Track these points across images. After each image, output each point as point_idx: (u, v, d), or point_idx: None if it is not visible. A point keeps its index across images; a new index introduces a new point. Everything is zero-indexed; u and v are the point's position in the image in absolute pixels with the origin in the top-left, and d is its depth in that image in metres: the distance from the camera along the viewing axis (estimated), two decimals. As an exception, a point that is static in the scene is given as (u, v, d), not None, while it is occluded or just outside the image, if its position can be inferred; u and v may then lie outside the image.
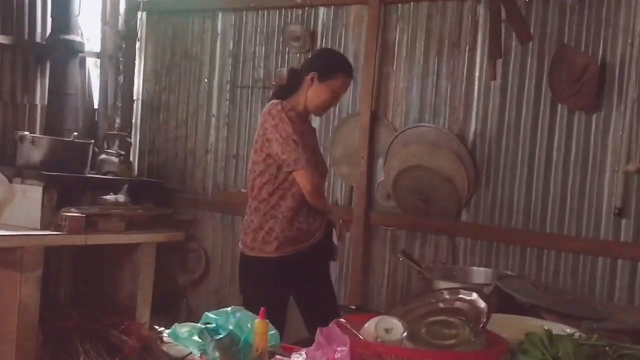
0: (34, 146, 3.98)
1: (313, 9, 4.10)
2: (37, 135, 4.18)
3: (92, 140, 4.35)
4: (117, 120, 4.67)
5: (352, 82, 2.63)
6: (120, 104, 4.69)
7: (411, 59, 3.85)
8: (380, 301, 3.90)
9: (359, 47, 3.99)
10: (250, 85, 4.40)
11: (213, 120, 4.51)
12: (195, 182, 4.65)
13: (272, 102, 2.48)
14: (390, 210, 3.88)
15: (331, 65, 2.55)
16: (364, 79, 3.90)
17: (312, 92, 2.49)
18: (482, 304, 1.96)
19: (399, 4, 3.81)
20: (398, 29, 3.88)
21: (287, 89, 2.56)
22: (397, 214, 3.86)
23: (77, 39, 4.39)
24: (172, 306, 4.49)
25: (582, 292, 3.28)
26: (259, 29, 4.38)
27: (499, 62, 3.41)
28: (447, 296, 2.13)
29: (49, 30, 4.44)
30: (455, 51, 3.72)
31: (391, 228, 3.86)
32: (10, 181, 3.92)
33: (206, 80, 4.52)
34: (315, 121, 3.86)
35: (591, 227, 3.35)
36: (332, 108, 2.84)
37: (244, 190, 4.26)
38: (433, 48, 3.79)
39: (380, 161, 3.91)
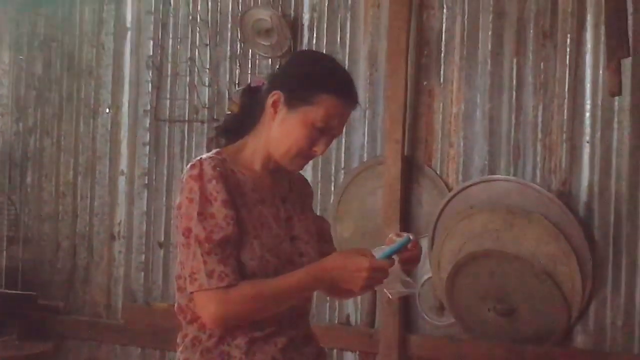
0: None
1: None
2: None
3: None
4: None
5: (354, 109, 1.80)
6: None
7: (471, 62, 3.06)
8: None
9: (376, 46, 3.20)
10: (186, 117, 3.52)
11: (122, 180, 3.70)
12: (94, 292, 3.78)
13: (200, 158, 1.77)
14: (444, 332, 3.16)
15: (308, 79, 1.76)
16: (388, 102, 3.09)
17: (276, 127, 1.75)
18: None
19: None
20: (445, 10, 3.08)
21: (236, 125, 1.85)
22: (456, 339, 3.13)
23: None
24: None
25: None
26: (200, 17, 3.50)
27: (626, 66, 2.65)
28: None
29: None
30: (548, 47, 2.90)
31: None
32: None
33: (108, 110, 3.71)
34: (306, 173, 3.07)
35: None
36: (320, 155, 1.96)
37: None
38: (508, 42, 2.96)
39: (424, 244, 3.06)
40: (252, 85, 1.84)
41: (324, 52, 3.26)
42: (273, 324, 1.72)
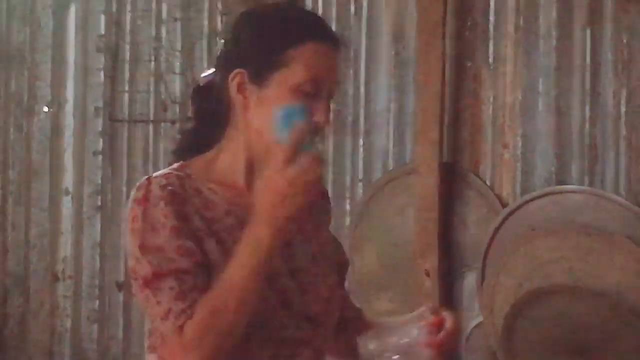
0: None
1: None
2: None
3: None
4: None
5: (340, 53, 1.46)
6: None
7: (530, 35, 2.65)
8: None
9: (403, 16, 2.78)
10: (151, 116, 3.08)
11: (67, 202, 3.22)
12: (31, 352, 3.27)
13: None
14: None
15: (268, 38, 1.46)
16: (421, 91, 2.68)
17: (254, 115, 1.46)
18: None
19: None
20: None
21: (199, 141, 1.52)
22: None
23: None
24: None
25: None
26: None
27: None
28: None
29: None
30: (633, 13, 2.53)
31: None
32: None
33: (46, 109, 3.21)
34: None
35: None
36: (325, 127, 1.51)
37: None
38: (579, 7, 2.58)
39: (471, 279, 2.74)
40: (201, 83, 1.51)
41: (333, 27, 2.82)
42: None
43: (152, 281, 1.35)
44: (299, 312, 1.44)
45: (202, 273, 1.36)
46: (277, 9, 1.55)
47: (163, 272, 1.33)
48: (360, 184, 2.85)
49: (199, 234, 1.36)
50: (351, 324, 1.56)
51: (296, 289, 1.44)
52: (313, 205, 1.50)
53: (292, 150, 1.34)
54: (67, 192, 3.19)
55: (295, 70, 1.42)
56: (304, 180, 1.36)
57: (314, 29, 1.47)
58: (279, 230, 1.41)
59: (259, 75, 1.42)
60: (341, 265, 1.59)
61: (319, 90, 1.41)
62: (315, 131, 1.41)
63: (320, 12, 2.91)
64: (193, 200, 1.39)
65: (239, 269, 1.35)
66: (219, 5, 3.04)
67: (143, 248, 1.35)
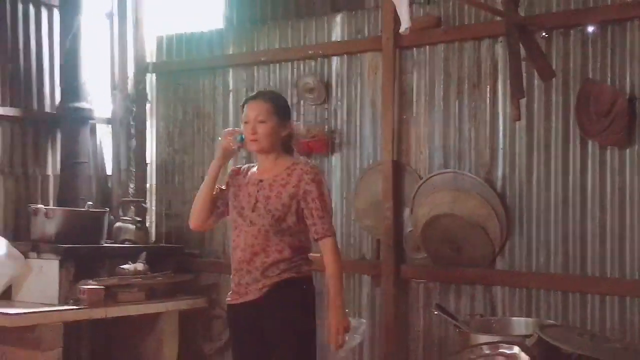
0: (48, 219, 4.13)
1: (326, 59, 4.27)
2: (51, 207, 4.35)
3: (107, 209, 4.49)
4: (131, 186, 4.81)
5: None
6: (133, 169, 4.86)
7: (431, 103, 3.98)
8: (417, 358, 3.94)
9: (376, 94, 4.16)
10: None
11: None
12: (215, 245, 4.69)
13: None
14: (420, 262, 3.94)
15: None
16: (384, 127, 4.05)
17: None
18: (525, 358, 1.97)
19: (414, 48, 3.97)
20: (415, 73, 4.02)
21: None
22: (428, 266, 3.93)
23: (87, 106, 4.60)
24: (199, 376, 4.52)
25: (631, 339, 3.28)
26: (271, 83, 4.50)
27: (523, 101, 3.47)
28: (487, 351, 2.26)
29: (57, 99, 4.66)
30: (476, 93, 3.84)
31: (423, 281, 3.94)
32: (26, 256, 4.08)
33: (220, 138, 4.48)
34: (336, 173, 4.18)
35: (635, 268, 3.38)
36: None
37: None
38: (453, 91, 3.93)
39: (407, 211, 4.00)
40: None
41: (344, 101, 4.22)
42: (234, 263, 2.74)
43: None
44: (247, 216, 2.69)
45: (222, 196, 2.78)
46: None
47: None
48: (357, 171, 4.18)
49: (230, 184, 2.79)
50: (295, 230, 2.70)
51: (248, 204, 2.71)
52: (274, 179, 2.72)
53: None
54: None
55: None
56: (221, 145, 2.77)
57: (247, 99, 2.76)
58: (214, 163, 2.79)
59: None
60: (305, 197, 2.67)
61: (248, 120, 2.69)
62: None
63: (339, 95, 4.13)
64: (240, 175, 2.80)
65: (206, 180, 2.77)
66: (295, 92, 4.26)
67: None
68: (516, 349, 2.12)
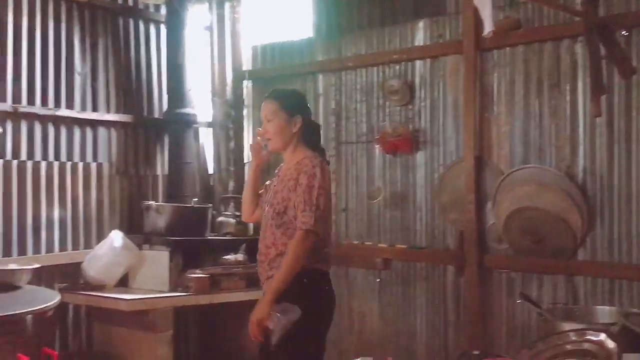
0: (159, 214, 4.46)
1: (410, 63, 4.40)
2: (161, 203, 4.67)
3: (210, 204, 4.81)
4: (231, 183, 5.03)
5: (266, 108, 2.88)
6: (232, 168, 5.08)
7: (511, 102, 4.05)
8: (501, 345, 4.01)
9: (458, 95, 4.26)
10: (354, 140, 4.69)
11: None
12: None
13: None
14: (502, 253, 4.01)
15: None
16: (466, 125, 4.17)
17: None
18: (611, 344, 2.02)
19: (495, 50, 4.04)
20: (496, 74, 4.09)
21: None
22: (510, 257, 3.99)
23: (191, 111, 4.92)
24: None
25: None
26: (358, 87, 4.66)
27: (603, 98, 3.47)
28: (574, 338, 2.21)
29: (165, 106, 5.03)
30: (556, 91, 3.89)
31: (505, 271, 4.01)
32: (140, 248, 4.43)
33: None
34: (421, 169, 4.29)
35: None
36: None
37: (356, 242, 4.66)
38: (533, 90, 3.99)
39: (489, 205, 4.09)
40: None
41: (427, 102, 4.31)
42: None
43: None
44: (265, 210, 2.81)
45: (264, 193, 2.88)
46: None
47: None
48: (441, 168, 4.27)
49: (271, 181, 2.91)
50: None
51: (265, 200, 2.86)
52: (284, 174, 2.80)
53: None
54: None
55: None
56: (252, 147, 2.92)
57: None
58: (250, 163, 3.10)
59: None
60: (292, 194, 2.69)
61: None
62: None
63: (422, 96, 4.21)
64: (278, 171, 2.89)
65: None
66: (381, 94, 4.40)
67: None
68: (602, 336, 2.08)
